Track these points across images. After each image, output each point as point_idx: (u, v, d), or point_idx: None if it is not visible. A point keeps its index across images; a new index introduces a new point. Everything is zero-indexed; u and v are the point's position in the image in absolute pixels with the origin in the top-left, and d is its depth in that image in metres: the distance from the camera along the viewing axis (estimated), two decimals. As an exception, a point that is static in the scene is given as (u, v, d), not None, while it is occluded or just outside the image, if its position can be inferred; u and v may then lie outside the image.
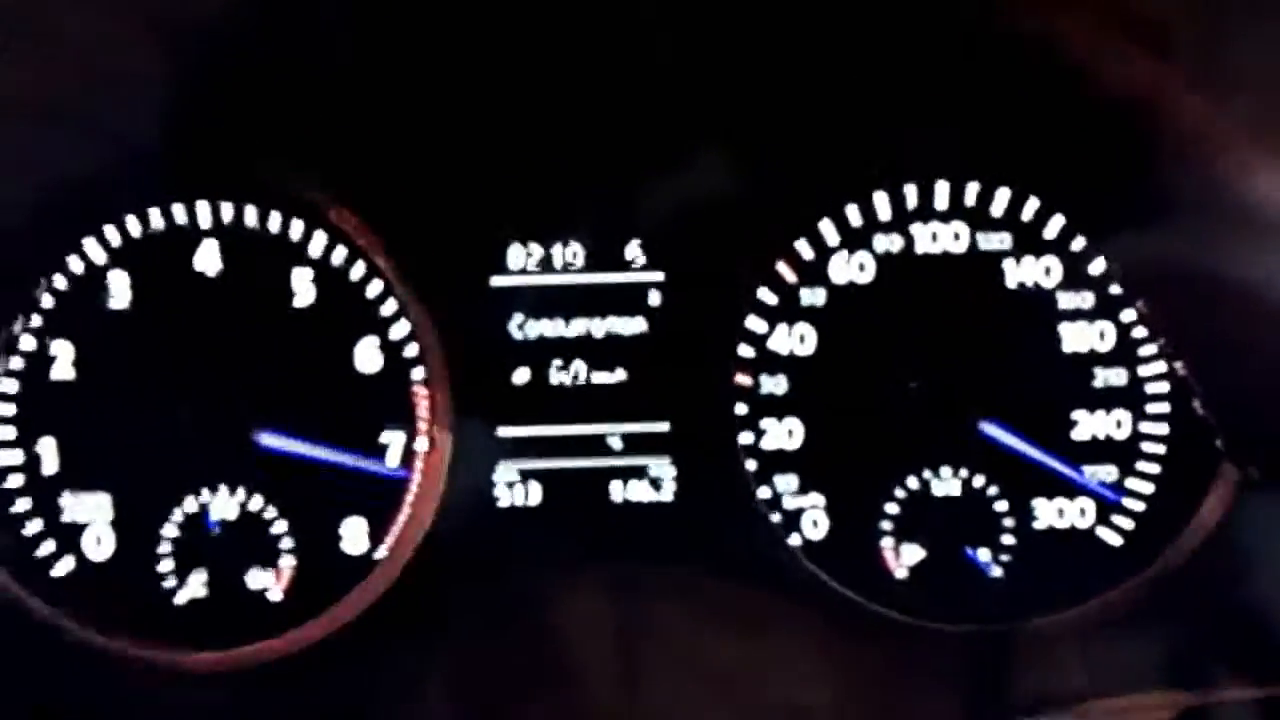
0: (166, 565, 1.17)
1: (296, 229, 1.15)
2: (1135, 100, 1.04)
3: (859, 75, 1.12)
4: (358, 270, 1.16)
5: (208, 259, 1.15)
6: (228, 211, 1.15)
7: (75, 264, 1.15)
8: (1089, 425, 1.18)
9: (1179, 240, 1.09)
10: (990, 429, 1.17)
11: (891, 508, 1.19)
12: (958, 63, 1.10)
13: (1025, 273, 1.16)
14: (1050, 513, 1.19)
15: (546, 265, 1.16)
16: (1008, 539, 1.19)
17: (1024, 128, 1.13)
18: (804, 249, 1.17)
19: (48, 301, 1.15)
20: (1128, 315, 1.17)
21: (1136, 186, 1.10)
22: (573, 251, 1.16)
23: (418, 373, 1.17)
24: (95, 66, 1.03)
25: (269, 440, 1.16)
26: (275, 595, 1.18)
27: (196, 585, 1.17)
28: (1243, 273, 1.04)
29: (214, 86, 1.10)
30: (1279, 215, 1.01)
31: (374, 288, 1.16)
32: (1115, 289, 1.16)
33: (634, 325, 1.17)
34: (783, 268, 1.17)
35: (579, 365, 1.17)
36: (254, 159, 1.15)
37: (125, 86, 1.07)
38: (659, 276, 1.16)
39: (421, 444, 1.17)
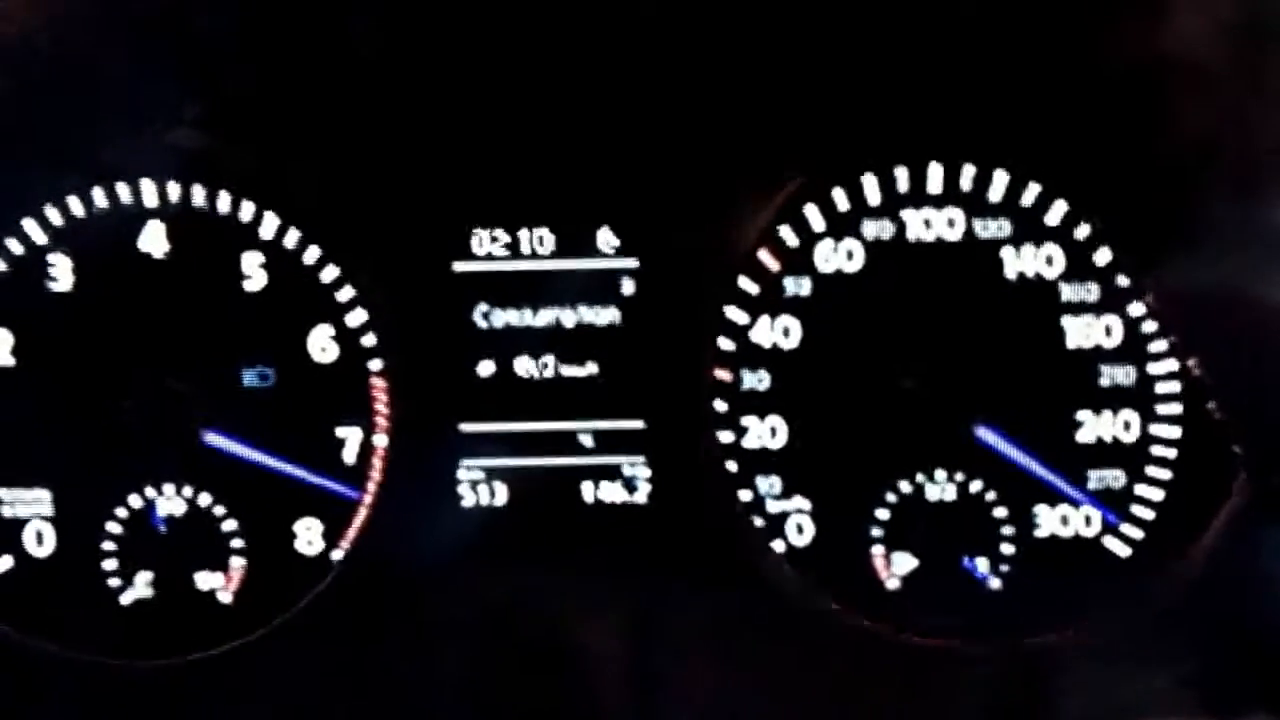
0: (111, 564, 1.12)
1: (247, 210, 1.09)
2: (1145, 87, 0.98)
3: (846, 50, 1.05)
4: (311, 254, 1.10)
5: (153, 240, 1.09)
6: (174, 191, 1.09)
7: (14, 246, 1.09)
8: (1094, 427, 1.10)
9: (1195, 241, 1.02)
10: (986, 435, 1.09)
11: (882, 513, 1.12)
12: (950, 36, 1.03)
13: (1025, 262, 1.08)
14: (1053, 520, 1.11)
15: (513, 251, 1.10)
16: (1007, 548, 1.11)
17: (1024, 106, 1.06)
18: (788, 235, 1.09)
19: (-15, 285, 1.10)
20: (1136, 309, 1.08)
21: (1147, 173, 1.03)
22: (540, 236, 1.09)
23: (375, 364, 1.11)
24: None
25: (216, 440, 1.10)
26: (225, 597, 1.13)
27: (142, 586, 1.13)
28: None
29: (166, 65, 1.05)
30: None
31: (329, 273, 1.10)
32: (1122, 280, 1.08)
33: (606, 315, 1.10)
34: (765, 255, 1.10)
35: (547, 357, 1.11)
36: (205, 140, 1.09)
37: (68, 64, 1.03)
38: (632, 264, 1.10)
39: (380, 440, 1.11)
